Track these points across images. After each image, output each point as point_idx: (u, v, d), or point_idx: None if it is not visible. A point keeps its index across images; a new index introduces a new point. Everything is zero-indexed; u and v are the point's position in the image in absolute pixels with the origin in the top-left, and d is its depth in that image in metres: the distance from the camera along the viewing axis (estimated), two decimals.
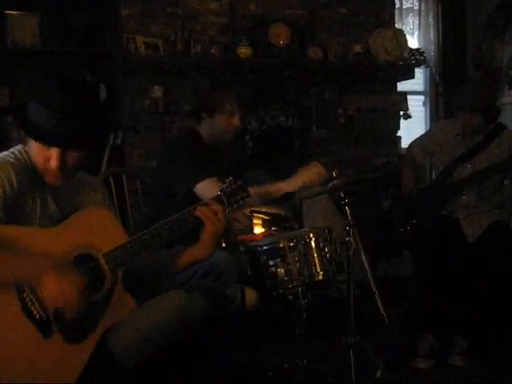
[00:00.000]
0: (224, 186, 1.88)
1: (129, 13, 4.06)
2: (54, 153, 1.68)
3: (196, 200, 2.42)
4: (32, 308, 1.58)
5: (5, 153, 1.75)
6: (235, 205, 1.89)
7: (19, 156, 1.73)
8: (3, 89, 3.93)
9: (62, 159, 1.69)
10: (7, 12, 3.91)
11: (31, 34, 3.93)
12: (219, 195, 1.86)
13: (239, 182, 1.90)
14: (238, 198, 1.89)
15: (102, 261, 1.68)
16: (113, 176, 3.09)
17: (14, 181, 1.66)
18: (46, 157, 1.70)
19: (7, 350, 1.55)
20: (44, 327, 1.58)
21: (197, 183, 2.46)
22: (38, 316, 1.58)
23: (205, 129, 2.68)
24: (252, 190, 2.02)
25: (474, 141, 3.08)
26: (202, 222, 1.80)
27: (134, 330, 1.68)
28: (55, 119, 1.65)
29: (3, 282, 1.56)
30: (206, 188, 2.43)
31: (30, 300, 1.58)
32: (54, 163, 1.69)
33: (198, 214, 1.79)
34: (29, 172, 1.71)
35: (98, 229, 1.71)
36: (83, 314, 1.62)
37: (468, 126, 3.03)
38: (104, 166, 3.58)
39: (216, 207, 1.82)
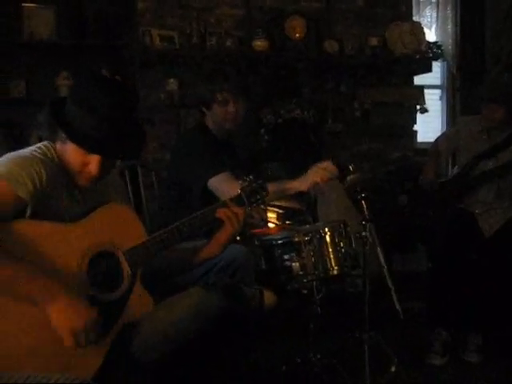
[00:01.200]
0: (245, 184, 1.88)
1: (144, 5, 4.06)
2: (94, 159, 1.67)
3: (212, 195, 2.44)
4: None
5: (32, 148, 1.73)
6: (254, 204, 1.91)
7: (47, 152, 1.72)
8: (20, 81, 3.96)
9: (102, 165, 1.69)
10: (24, 4, 3.92)
11: (47, 26, 3.94)
12: (239, 194, 1.87)
13: (259, 182, 1.91)
14: (258, 197, 1.91)
15: (123, 258, 1.68)
16: (128, 169, 3.10)
17: (44, 176, 1.65)
18: (84, 161, 1.69)
19: (26, 346, 1.54)
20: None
21: (210, 178, 2.48)
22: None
23: (209, 121, 2.71)
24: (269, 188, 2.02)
25: (497, 138, 3.05)
26: (221, 221, 1.81)
27: (153, 328, 1.67)
28: (102, 129, 1.64)
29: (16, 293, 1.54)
30: (219, 182, 2.45)
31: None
32: (94, 169, 1.68)
33: (219, 215, 1.81)
34: (56, 169, 1.71)
35: (120, 225, 1.71)
36: (102, 312, 1.61)
37: (491, 119, 2.99)
38: None
39: (237, 209, 1.83)
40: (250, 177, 1.90)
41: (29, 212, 1.62)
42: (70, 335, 1.52)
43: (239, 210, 1.83)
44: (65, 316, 1.52)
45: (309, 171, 2.46)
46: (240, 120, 2.71)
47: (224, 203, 1.85)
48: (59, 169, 1.72)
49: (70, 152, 1.70)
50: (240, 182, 1.90)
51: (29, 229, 1.59)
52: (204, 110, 2.69)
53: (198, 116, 2.83)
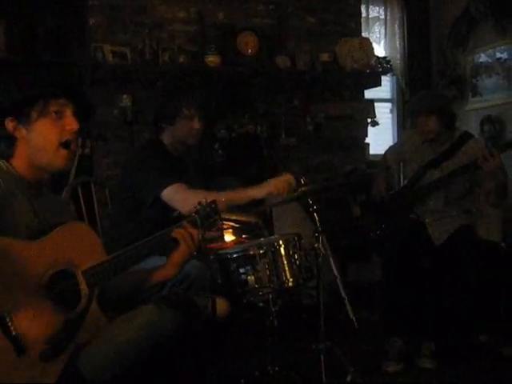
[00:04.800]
0: (199, 207, 1.91)
1: (96, 21, 4.04)
2: (68, 113, 1.73)
3: (165, 206, 2.43)
4: (9, 324, 1.53)
5: None
6: (208, 227, 1.94)
7: None
8: None
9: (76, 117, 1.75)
10: None
11: None
12: (194, 218, 1.89)
13: (213, 205, 1.94)
14: (211, 220, 1.94)
15: (81, 278, 1.66)
16: (81, 185, 3.06)
17: None
18: (61, 126, 1.72)
19: None
20: (19, 344, 1.54)
21: (163, 189, 2.47)
22: (14, 332, 1.54)
23: (167, 137, 2.69)
24: (217, 197, 2.04)
25: (441, 148, 3.15)
26: (177, 242, 1.83)
27: (104, 348, 1.64)
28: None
29: None
30: (173, 193, 2.46)
31: (8, 315, 1.53)
32: (72, 122, 1.72)
33: (175, 235, 1.82)
34: (12, 181, 1.69)
35: (80, 244, 1.69)
36: (58, 332, 1.59)
37: (425, 131, 3.08)
38: (72, 175, 3.54)
39: (193, 231, 1.85)
40: (204, 200, 1.94)
41: None
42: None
43: (195, 232, 1.86)
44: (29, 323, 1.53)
45: (268, 180, 2.49)
46: (200, 137, 2.73)
47: (181, 225, 1.86)
48: (15, 181, 1.70)
49: (44, 130, 1.70)
50: (195, 205, 1.92)
51: None
52: (164, 125, 2.67)
53: (154, 131, 2.82)
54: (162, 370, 1.74)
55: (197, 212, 1.91)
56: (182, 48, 4.12)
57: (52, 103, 1.72)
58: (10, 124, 1.71)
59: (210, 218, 1.93)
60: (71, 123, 1.73)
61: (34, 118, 1.71)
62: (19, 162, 1.74)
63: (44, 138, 1.72)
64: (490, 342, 3.13)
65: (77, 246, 1.68)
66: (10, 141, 1.72)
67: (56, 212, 1.82)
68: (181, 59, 4.05)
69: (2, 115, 1.72)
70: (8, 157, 1.73)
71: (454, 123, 3.17)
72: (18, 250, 1.57)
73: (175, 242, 1.84)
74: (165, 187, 2.47)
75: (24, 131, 1.72)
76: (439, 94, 3.24)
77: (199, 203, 1.93)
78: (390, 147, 3.49)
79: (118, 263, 1.72)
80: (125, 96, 3.98)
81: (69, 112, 1.73)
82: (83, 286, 1.66)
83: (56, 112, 1.72)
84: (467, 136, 3.18)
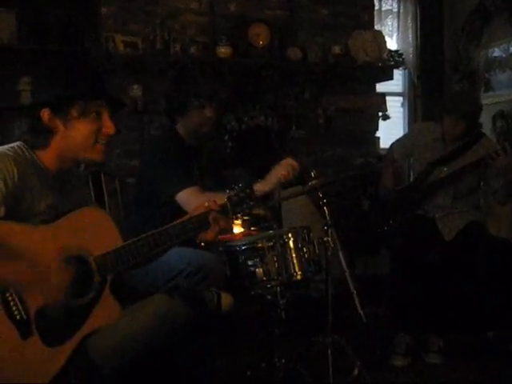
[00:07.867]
0: (232, 194, 1.85)
1: (108, 11, 4.04)
2: (105, 116, 1.76)
3: (177, 206, 2.43)
4: (14, 308, 1.55)
5: (5, 146, 1.73)
6: (239, 213, 1.89)
7: (19, 151, 1.72)
8: None
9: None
10: None
11: (8, 30, 3.87)
12: (225, 204, 1.83)
13: (247, 191, 1.87)
14: (244, 206, 1.87)
15: (93, 264, 1.66)
16: (91, 175, 3.07)
17: (16, 173, 1.64)
18: (98, 127, 1.75)
19: None
20: (23, 328, 1.56)
21: (179, 191, 2.49)
22: (18, 316, 1.56)
23: (181, 128, 2.71)
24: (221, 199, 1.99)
25: (453, 146, 3.12)
26: (202, 229, 1.79)
27: (115, 336, 1.65)
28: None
29: None
30: (187, 197, 2.46)
31: (13, 299, 1.55)
32: (110, 125, 1.76)
33: (211, 219, 1.79)
34: (29, 166, 1.70)
35: (93, 230, 1.69)
36: (65, 317, 1.60)
37: (451, 132, 3.06)
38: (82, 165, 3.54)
39: (222, 221, 1.81)
40: (239, 185, 1.86)
41: (2, 210, 1.60)
42: None
43: (228, 225, 1.84)
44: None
45: (271, 172, 2.48)
46: (215, 124, 2.74)
47: (208, 212, 1.81)
48: (33, 166, 1.71)
49: (84, 129, 1.73)
50: (227, 190, 1.87)
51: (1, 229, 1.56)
52: (177, 117, 2.69)
53: (169, 123, 2.81)
54: (169, 361, 1.75)
55: (229, 198, 1.84)
56: (194, 39, 4.11)
57: (92, 104, 1.74)
58: (45, 114, 1.73)
59: (242, 205, 1.85)
60: (109, 127, 1.77)
61: (74, 116, 1.73)
62: (47, 153, 1.75)
63: (83, 137, 1.75)
64: (498, 339, 3.12)
65: (92, 231, 1.68)
66: (47, 133, 1.74)
67: (78, 198, 1.83)
68: (192, 50, 4.04)
69: (39, 106, 1.74)
70: (44, 147, 1.75)
71: (476, 131, 3.15)
72: (27, 234, 1.58)
73: (196, 233, 1.80)
74: (180, 190, 2.48)
75: (61, 126, 1.74)
76: (476, 99, 3.18)
77: (231, 188, 1.86)
78: (397, 140, 3.47)
79: (133, 251, 1.68)
80: (135, 86, 3.98)
81: (106, 114, 1.77)
82: (95, 273, 1.66)
83: (96, 112, 1.75)
84: (479, 135, 3.16)
